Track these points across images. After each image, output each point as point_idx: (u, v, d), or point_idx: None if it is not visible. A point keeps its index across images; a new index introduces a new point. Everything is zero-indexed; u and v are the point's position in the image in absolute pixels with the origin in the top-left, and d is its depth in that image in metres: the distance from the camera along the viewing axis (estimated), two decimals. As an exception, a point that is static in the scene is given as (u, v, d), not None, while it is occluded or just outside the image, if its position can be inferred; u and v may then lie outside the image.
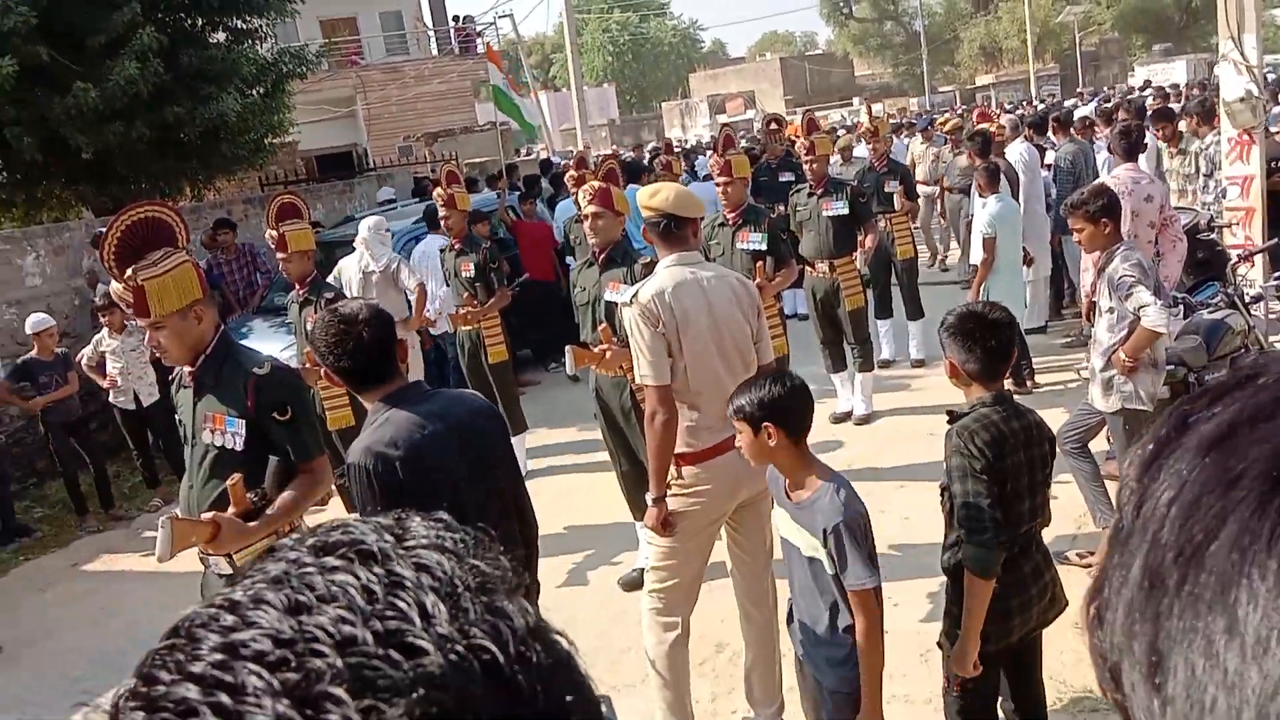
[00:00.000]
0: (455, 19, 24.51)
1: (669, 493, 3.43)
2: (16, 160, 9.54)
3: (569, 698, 0.50)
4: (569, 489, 6.57)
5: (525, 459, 6.89)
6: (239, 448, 2.98)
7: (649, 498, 3.46)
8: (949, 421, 2.94)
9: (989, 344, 2.83)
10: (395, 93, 22.17)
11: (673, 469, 3.43)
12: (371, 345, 2.61)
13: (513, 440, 6.97)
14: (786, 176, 9.85)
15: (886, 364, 8.22)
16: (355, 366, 2.62)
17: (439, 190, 6.85)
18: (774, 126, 11.03)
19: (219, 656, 0.45)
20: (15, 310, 8.38)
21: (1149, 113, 10.60)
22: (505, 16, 25.29)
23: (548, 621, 0.52)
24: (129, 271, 2.95)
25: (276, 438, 2.98)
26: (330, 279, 6.98)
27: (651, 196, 3.59)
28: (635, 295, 3.46)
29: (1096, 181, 5.56)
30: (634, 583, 4.93)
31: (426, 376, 6.73)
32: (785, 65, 53.84)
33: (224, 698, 0.43)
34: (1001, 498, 2.78)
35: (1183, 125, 9.02)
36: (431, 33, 24.84)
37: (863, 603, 2.61)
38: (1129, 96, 16.61)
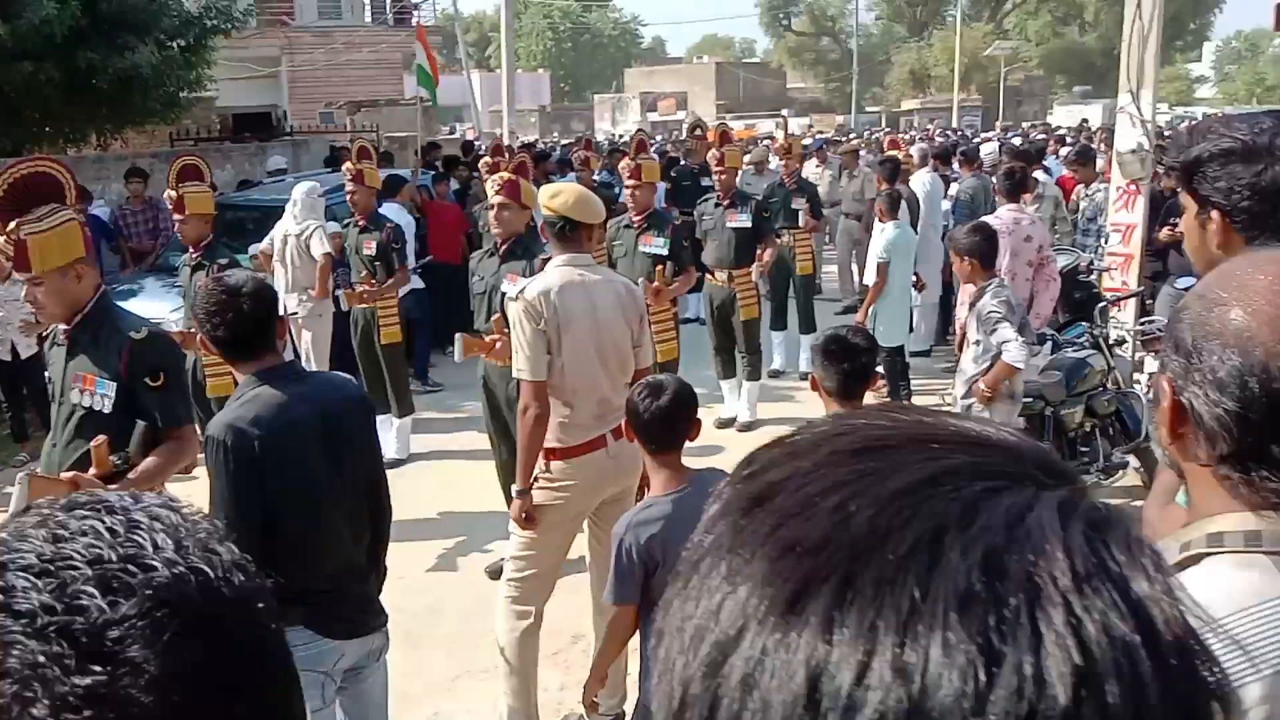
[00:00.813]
0: (392, -11, 24.13)
1: (536, 485, 3.54)
2: (-89, 89, 9.19)
3: (260, 605, 0.68)
4: (449, 473, 6.63)
5: (410, 441, 6.94)
6: (107, 409, 3.00)
7: (514, 489, 3.57)
8: None
9: (845, 365, 3.02)
10: (323, 57, 21.74)
11: (541, 462, 3.55)
12: (249, 317, 2.64)
13: (399, 422, 6.98)
14: (708, 181, 10.03)
15: (776, 374, 8.46)
16: (230, 337, 2.66)
17: (348, 164, 6.83)
18: (698, 132, 11.23)
19: None
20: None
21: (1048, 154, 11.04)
22: (446, -9, 25.04)
23: (248, 561, 0.69)
24: (13, 224, 2.94)
25: (146, 403, 3.01)
26: (265, 240, 6.95)
27: (551, 198, 3.69)
28: (522, 291, 3.56)
29: (978, 219, 5.83)
30: (500, 571, 5.02)
31: (335, 350, 6.74)
32: (720, 70, 54.36)
33: None
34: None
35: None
36: (367, 1, 24.42)
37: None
38: (1010, 140, 16.83)
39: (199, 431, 3.23)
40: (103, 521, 0.64)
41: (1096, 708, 0.38)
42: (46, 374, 3.21)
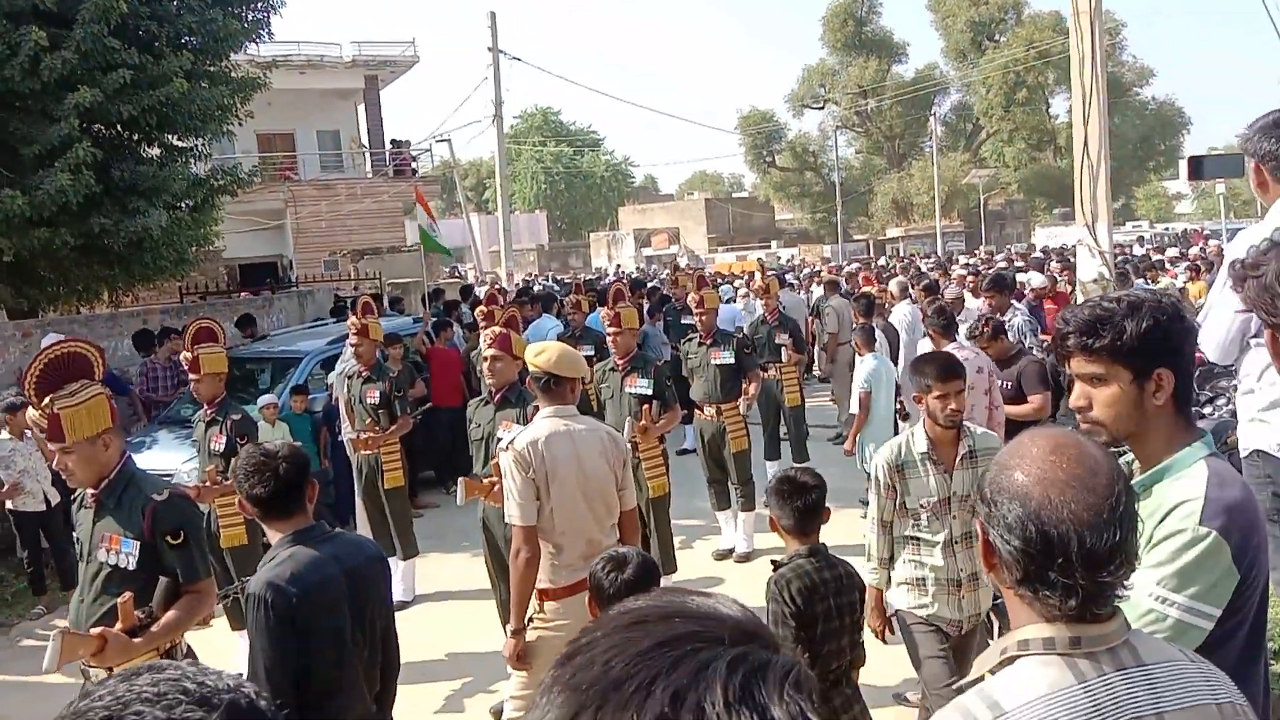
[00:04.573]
0: (393, 142, 25.19)
1: (529, 625, 3.75)
2: (-67, 257, 9.62)
3: None
4: (454, 615, 6.79)
5: (415, 583, 7.11)
6: (131, 567, 3.24)
7: (508, 629, 3.78)
8: (773, 569, 3.34)
9: (798, 503, 3.28)
10: (326, 208, 22.62)
11: (534, 603, 3.77)
12: (285, 479, 2.94)
13: (403, 565, 7.17)
14: (689, 320, 10.51)
15: (772, 504, 8.65)
16: (267, 495, 2.94)
17: (353, 319, 7.21)
18: (674, 275, 11.80)
19: None
20: (-85, 406, 8.36)
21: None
22: (443, 141, 26.27)
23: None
24: (47, 399, 3.25)
25: (168, 560, 3.25)
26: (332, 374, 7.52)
27: (537, 355, 4.01)
28: (512, 442, 3.85)
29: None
30: (501, 711, 5.16)
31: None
32: (710, 205, 56.03)
33: None
34: (811, 640, 3.17)
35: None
36: (367, 153, 25.48)
37: None
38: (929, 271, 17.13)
39: (216, 586, 3.48)
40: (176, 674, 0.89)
41: None
42: (75, 535, 3.47)
